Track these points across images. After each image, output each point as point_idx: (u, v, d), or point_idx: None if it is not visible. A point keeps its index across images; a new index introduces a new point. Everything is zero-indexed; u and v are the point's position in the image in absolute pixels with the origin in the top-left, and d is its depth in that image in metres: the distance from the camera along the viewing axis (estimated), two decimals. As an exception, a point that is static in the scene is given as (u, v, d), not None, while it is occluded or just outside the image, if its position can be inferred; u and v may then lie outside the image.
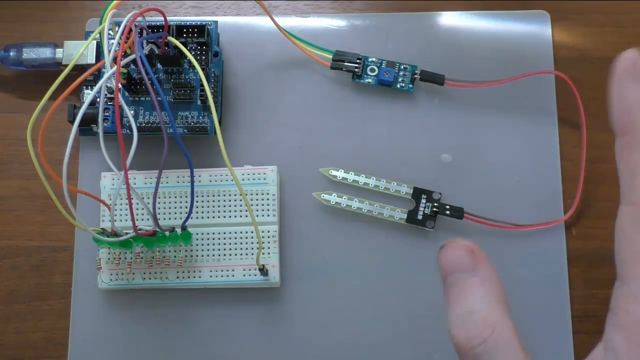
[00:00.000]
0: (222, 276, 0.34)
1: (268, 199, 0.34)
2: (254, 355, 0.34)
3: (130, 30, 0.30)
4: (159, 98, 0.29)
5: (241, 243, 0.34)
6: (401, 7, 0.39)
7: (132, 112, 0.35)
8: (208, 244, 0.34)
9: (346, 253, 0.35)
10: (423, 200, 0.35)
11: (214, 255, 0.34)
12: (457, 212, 0.35)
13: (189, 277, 0.34)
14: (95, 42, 0.36)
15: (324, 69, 0.37)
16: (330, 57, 0.37)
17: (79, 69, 0.35)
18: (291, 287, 0.35)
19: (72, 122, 0.34)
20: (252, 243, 0.34)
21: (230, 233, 0.34)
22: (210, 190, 0.34)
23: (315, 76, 0.37)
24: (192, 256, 0.34)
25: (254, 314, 0.34)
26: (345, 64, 0.36)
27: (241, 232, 0.34)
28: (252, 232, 0.34)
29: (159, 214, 0.34)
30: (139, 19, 0.30)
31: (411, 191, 0.35)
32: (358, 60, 0.37)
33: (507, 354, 0.19)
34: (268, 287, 0.34)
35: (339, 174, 0.36)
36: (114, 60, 0.30)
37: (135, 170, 0.35)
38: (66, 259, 0.35)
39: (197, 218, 0.34)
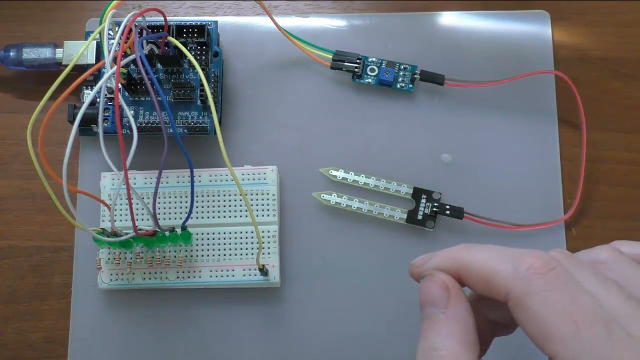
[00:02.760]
0: (222, 276, 0.34)
1: (268, 199, 0.34)
2: (254, 355, 0.34)
3: (130, 30, 0.30)
4: (159, 98, 0.29)
5: (241, 243, 0.34)
6: (401, 7, 0.39)
7: (132, 112, 0.35)
8: (208, 244, 0.34)
9: (346, 253, 0.35)
10: (423, 200, 0.35)
11: (214, 255, 0.34)
12: (457, 212, 0.35)
13: (189, 277, 0.34)
14: (95, 42, 0.36)
15: (324, 69, 0.37)
16: (330, 57, 0.37)
17: (79, 69, 0.35)
18: (291, 287, 0.35)
19: (72, 122, 0.34)
20: (252, 243, 0.34)
21: (230, 233, 0.34)
22: (210, 190, 0.34)
23: (315, 76, 0.37)
24: (192, 256, 0.34)
25: (254, 314, 0.34)
26: (345, 64, 0.36)
27: (241, 232, 0.34)
28: (252, 232, 0.34)
29: (159, 214, 0.34)
30: (139, 19, 0.30)
31: (411, 191, 0.35)
32: (358, 60, 0.37)
33: None
34: (268, 287, 0.34)
35: (339, 174, 0.36)
36: (114, 60, 0.30)
37: (135, 170, 0.35)
38: (66, 259, 0.35)
39: (197, 218, 0.34)
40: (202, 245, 0.34)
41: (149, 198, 0.33)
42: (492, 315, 0.22)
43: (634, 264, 0.20)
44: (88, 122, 0.34)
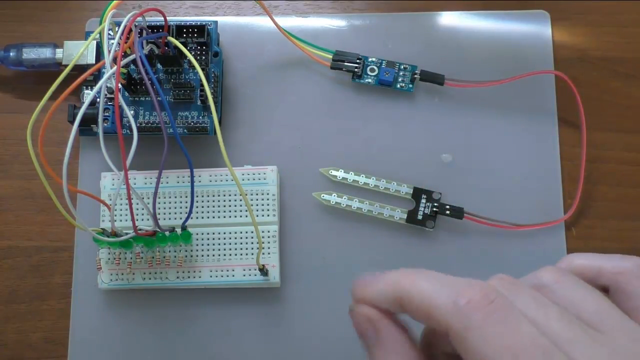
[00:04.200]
0: (222, 276, 0.34)
1: (268, 199, 0.34)
2: (254, 355, 0.34)
3: (130, 30, 0.30)
4: (159, 98, 0.29)
5: (241, 243, 0.34)
6: (401, 7, 0.39)
7: (132, 112, 0.35)
8: (208, 244, 0.34)
9: (346, 253, 0.35)
10: (423, 200, 0.35)
11: (214, 255, 0.34)
12: (457, 212, 0.35)
13: (189, 277, 0.34)
14: (95, 42, 0.36)
15: (324, 69, 0.37)
16: (330, 57, 0.37)
17: (79, 69, 0.35)
18: (291, 287, 0.35)
19: (72, 122, 0.34)
20: (252, 243, 0.34)
21: (230, 233, 0.34)
22: (210, 190, 0.34)
23: (315, 76, 0.37)
24: (192, 256, 0.34)
25: (254, 314, 0.34)
26: (345, 64, 0.36)
27: (241, 232, 0.34)
28: (252, 232, 0.34)
29: (159, 214, 0.34)
30: (139, 19, 0.30)
31: (411, 191, 0.35)
32: (358, 60, 0.37)
33: None
34: (268, 287, 0.34)
35: (339, 174, 0.36)
36: (114, 60, 0.30)
37: (135, 170, 0.35)
38: (66, 259, 0.35)
39: (197, 218, 0.34)
40: (202, 245, 0.34)
41: (149, 198, 0.33)
42: (448, 348, 0.22)
43: (578, 283, 0.20)
44: (88, 122, 0.34)
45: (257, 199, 0.34)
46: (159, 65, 0.35)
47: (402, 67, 0.37)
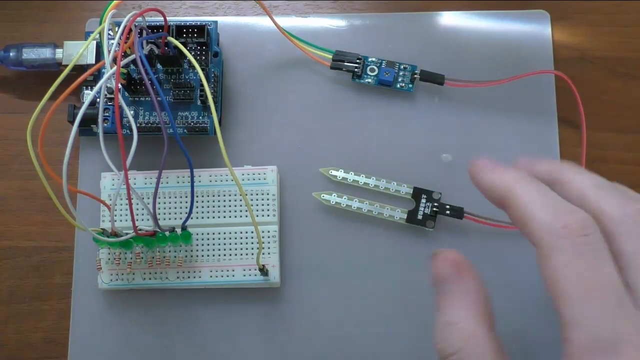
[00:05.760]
0: (222, 276, 0.34)
1: (268, 199, 0.34)
2: (254, 355, 0.34)
3: (130, 30, 0.30)
4: (159, 98, 0.29)
5: (241, 243, 0.34)
6: (401, 7, 0.39)
7: (132, 112, 0.35)
8: (208, 244, 0.34)
9: (346, 253, 0.35)
10: (423, 200, 0.35)
11: (214, 255, 0.34)
12: (457, 212, 0.35)
13: (189, 277, 0.34)
14: (95, 42, 0.36)
15: (324, 69, 0.37)
16: (330, 57, 0.37)
17: (79, 69, 0.35)
18: (291, 287, 0.35)
19: (72, 122, 0.34)
20: (252, 243, 0.34)
21: (230, 233, 0.34)
22: (210, 190, 0.34)
23: (315, 76, 0.37)
24: (192, 256, 0.34)
25: (254, 314, 0.34)
26: (345, 64, 0.36)
27: (241, 232, 0.34)
28: (252, 232, 0.34)
29: (159, 214, 0.34)
30: (139, 19, 0.30)
31: (411, 191, 0.35)
32: (358, 60, 0.37)
33: None
34: (268, 287, 0.34)
35: (339, 174, 0.36)
36: (114, 60, 0.30)
37: (135, 170, 0.35)
38: (66, 259, 0.35)
39: (197, 218, 0.34)
40: (202, 245, 0.34)
41: (149, 198, 0.33)
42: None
43: None
44: (88, 122, 0.34)
45: (257, 199, 0.34)
46: (159, 66, 0.35)
47: (402, 67, 0.37)
